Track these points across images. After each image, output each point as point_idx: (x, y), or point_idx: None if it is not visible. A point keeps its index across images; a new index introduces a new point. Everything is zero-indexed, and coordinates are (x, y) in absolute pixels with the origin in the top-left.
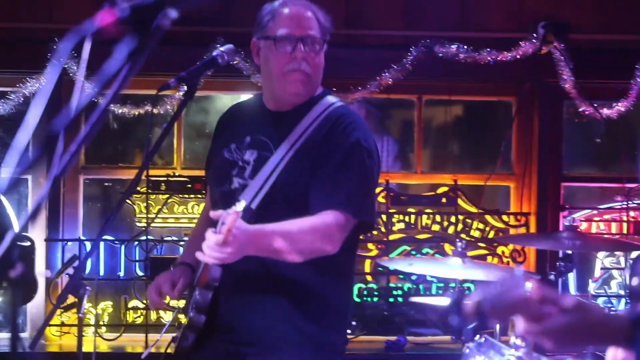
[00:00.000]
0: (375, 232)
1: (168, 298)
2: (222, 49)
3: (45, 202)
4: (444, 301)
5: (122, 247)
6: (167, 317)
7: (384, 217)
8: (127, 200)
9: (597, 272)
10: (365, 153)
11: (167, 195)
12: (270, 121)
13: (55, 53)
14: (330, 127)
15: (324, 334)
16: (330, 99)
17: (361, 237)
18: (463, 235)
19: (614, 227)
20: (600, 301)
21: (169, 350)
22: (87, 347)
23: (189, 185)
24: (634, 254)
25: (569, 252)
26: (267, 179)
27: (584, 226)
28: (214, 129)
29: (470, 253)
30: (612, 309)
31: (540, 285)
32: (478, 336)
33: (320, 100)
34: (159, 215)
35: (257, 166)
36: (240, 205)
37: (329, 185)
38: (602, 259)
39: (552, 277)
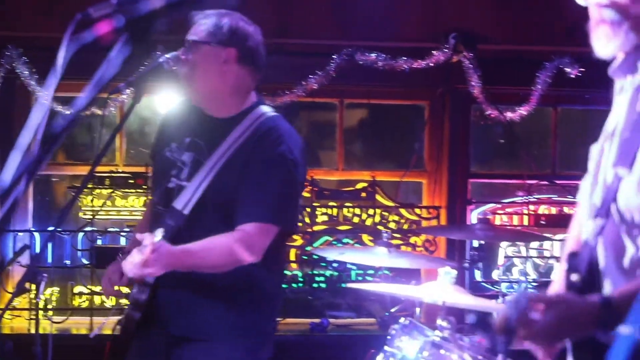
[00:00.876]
0: (300, 224)
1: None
2: (167, 55)
3: (21, 197)
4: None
5: (67, 238)
6: (109, 301)
7: (308, 209)
8: (71, 194)
9: (501, 261)
10: (290, 165)
11: (110, 190)
12: (208, 126)
13: (55, 60)
14: (259, 138)
15: (255, 323)
16: (263, 108)
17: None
18: (380, 227)
19: (515, 220)
20: (503, 286)
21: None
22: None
23: (131, 181)
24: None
25: (482, 242)
26: (199, 185)
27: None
28: (159, 125)
29: None
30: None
31: (527, 293)
32: (403, 319)
33: (254, 109)
34: (102, 208)
35: (192, 169)
36: (158, 235)
37: (252, 197)
38: (505, 249)
39: (466, 265)
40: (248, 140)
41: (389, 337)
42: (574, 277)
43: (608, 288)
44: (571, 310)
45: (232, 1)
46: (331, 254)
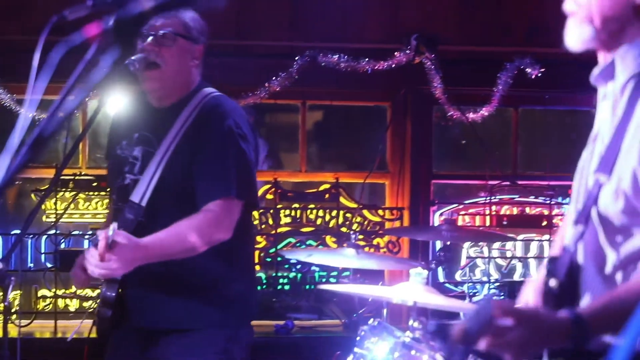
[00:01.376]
0: (264, 226)
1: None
2: (133, 57)
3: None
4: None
5: (31, 241)
6: (72, 304)
7: (272, 211)
8: (34, 197)
9: (464, 261)
10: (239, 138)
11: (74, 193)
12: (154, 117)
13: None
14: (204, 117)
15: (226, 313)
16: (206, 90)
17: (252, 219)
18: (344, 229)
19: (478, 220)
20: (465, 287)
21: (92, 335)
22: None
23: (95, 184)
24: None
25: (447, 243)
26: (152, 175)
27: None
28: (110, 126)
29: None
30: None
31: (500, 302)
32: (372, 320)
33: (196, 93)
34: (66, 211)
35: (144, 162)
36: (111, 229)
37: (209, 175)
38: (467, 249)
39: (432, 265)
40: (194, 122)
41: (358, 339)
42: (552, 282)
43: (587, 295)
44: (541, 326)
45: (218, 2)
46: (299, 256)
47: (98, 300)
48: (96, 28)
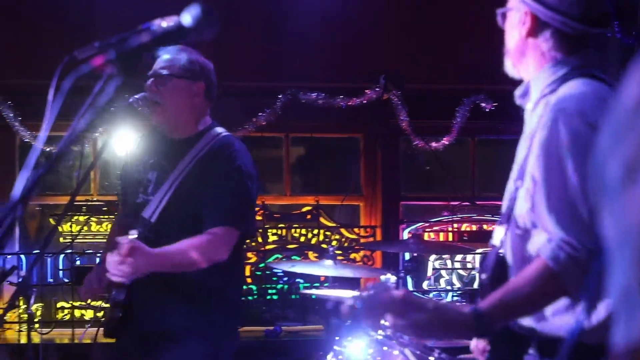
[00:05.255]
0: (254, 244)
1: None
2: (136, 96)
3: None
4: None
5: (50, 259)
6: (87, 314)
7: (260, 230)
8: (52, 221)
9: (430, 272)
10: (246, 177)
11: (87, 217)
12: (168, 147)
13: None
14: (216, 153)
15: (219, 322)
16: (218, 129)
17: (245, 246)
18: (324, 246)
19: (441, 236)
20: (431, 295)
21: (98, 340)
22: (25, 340)
23: (105, 208)
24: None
25: (415, 254)
26: (163, 196)
27: None
28: (130, 151)
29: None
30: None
31: (404, 289)
32: (348, 322)
33: (209, 130)
34: (80, 233)
35: (157, 185)
36: (132, 235)
37: (216, 205)
38: (433, 261)
39: (401, 274)
40: (205, 156)
41: (337, 338)
42: (483, 276)
43: None
44: (443, 316)
45: (209, 34)
46: (284, 267)
47: (109, 304)
48: (101, 59)
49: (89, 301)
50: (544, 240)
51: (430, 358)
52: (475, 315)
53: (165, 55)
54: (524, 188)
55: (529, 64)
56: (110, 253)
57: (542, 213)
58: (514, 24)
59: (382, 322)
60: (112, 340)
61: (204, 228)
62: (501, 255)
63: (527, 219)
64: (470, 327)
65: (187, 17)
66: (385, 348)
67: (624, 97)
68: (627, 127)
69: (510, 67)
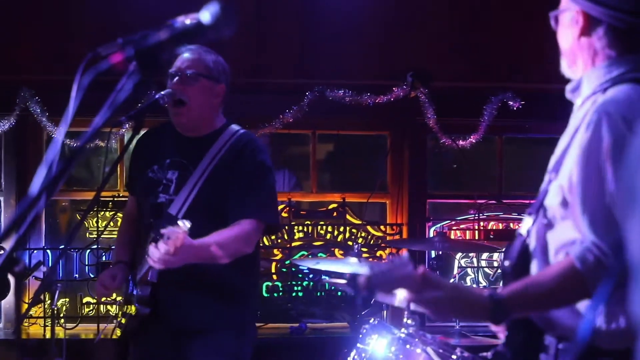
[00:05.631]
0: (280, 240)
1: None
2: (162, 92)
3: (41, 215)
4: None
5: (76, 254)
6: (112, 310)
7: (286, 227)
8: (78, 216)
9: (455, 270)
10: (268, 171)
11: (113, 212)
12: (186, 145)
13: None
14: (239, 149)
15: (242, 316)
16: (235, 126)
17: (268, 243)
18: (350, 243)
19: (468, 234)
20: None
21: (114, 337)
22: (49, 335)
23: None
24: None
25: (440, 252)
26: (189, 193)
27: None
28: (132, 150)
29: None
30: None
31: (421, 267)
32: (372, 319)
33: (226, 128)
34: (106, 228)
35: (179, 183)
36: (185, 226)
37: (243, 198)
38: (459, 259)
39: None
40: (229, 152)
41: (360, 336)
42: (506, 263)
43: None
44: (461, 297)
45: (227, 32)
46: (308, 264)
47: (134, 302)
48: (120, 56)
49: (103, 298)
50: (576, 240)
51: (452, 356)
52: (492, 301)
53: (188, 54)
54: (557, 182)
55: (583, 63)
56: (158, 244)
57: (577, 213)
58: (567, 25)
59: (407, 321)
60: (133, 337)
61: (231, 221)
62: (527, 244)
63: (556, 212)
64: (486, 312)
65: (206, 15)
66: (408, 346)
67: None
68: None
69: (566, 68)
